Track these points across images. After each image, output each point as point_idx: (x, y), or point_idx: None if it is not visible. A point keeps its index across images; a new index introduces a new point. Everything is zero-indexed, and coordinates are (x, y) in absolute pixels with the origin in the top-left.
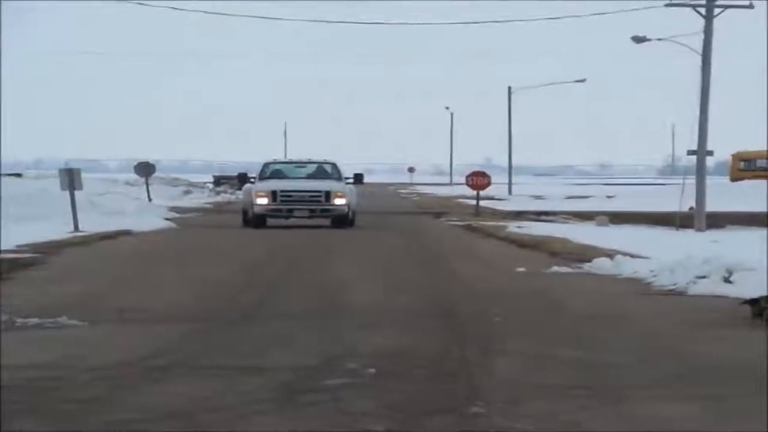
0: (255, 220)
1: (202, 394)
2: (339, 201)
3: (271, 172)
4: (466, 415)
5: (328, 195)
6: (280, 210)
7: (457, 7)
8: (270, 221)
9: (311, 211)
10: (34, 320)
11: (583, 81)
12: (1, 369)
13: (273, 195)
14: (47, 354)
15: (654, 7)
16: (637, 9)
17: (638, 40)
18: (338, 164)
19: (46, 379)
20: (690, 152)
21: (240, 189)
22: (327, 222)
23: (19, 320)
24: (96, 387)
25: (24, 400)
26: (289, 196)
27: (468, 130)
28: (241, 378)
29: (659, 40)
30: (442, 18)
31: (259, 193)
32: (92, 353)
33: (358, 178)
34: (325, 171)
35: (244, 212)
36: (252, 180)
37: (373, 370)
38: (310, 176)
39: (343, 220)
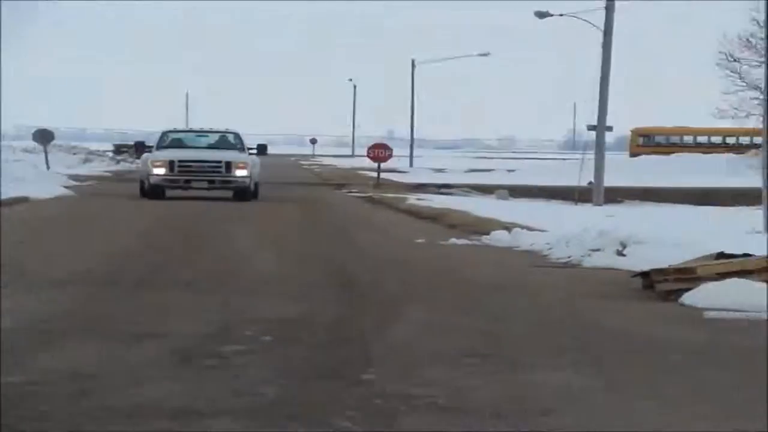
0: (152, 191)
1: (100, 357)
2: (240, 172)
3: (170, 141)
4: (357, 381)
5: (228, 166)
6: (177, 181)
7: None
8: (169, 192)
9: (210, 182)
10: None
11: (486, 55)
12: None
13: (170, 165)
14: None
15: None
16: None
17: (541, 15)
18: (241, 134)
19: None
20: (590, 127)
21: (138, 158)
22: (229, 194)
23: None
24: None
25: None
26: (188, 166)
27: (371, 103)
28: (137, 343)
29: (561, 15)
30: None
31: (156, 163)
32: None
33: (261, 149)
34: (227, 141)
35: (142, 183)
36: (149, 149)
37: (268, 338)
38: (211, 146)
39: (244, 193)
